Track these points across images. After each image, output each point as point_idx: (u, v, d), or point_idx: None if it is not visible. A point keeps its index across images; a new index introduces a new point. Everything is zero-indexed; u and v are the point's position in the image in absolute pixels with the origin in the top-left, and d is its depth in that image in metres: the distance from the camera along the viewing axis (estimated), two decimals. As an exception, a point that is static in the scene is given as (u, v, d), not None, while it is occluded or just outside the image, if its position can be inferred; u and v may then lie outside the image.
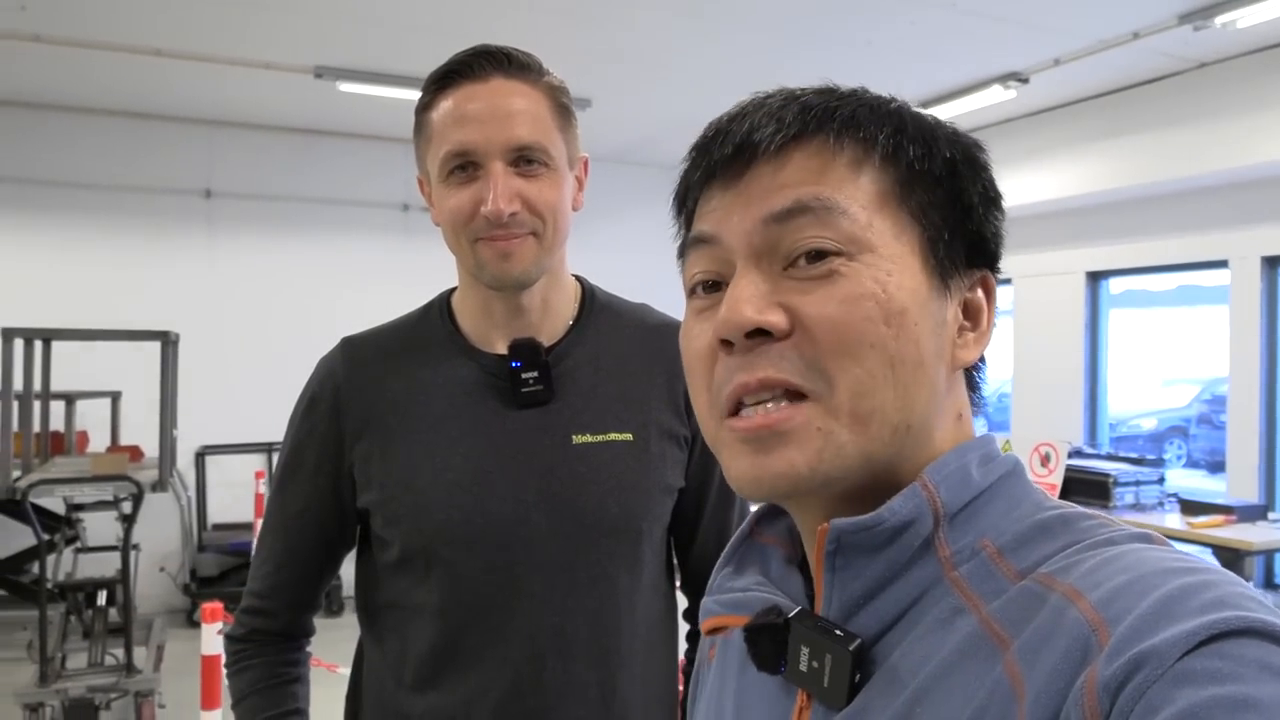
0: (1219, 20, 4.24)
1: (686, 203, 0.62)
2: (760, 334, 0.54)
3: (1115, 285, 6.50)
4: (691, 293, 0.61)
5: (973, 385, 0.62)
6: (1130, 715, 0.42)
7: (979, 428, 0.62)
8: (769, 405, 0.55)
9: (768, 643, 0.58)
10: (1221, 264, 5.59)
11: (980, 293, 0.59)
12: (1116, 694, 0.43)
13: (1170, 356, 8.86)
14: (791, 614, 0.58)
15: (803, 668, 0.56)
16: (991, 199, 0.60)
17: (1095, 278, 6.33)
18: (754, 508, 0.72)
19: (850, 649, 0.54)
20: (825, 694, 0.56)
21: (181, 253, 6.23)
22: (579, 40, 4.65)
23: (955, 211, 0.58)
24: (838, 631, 0.55)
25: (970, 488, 0.56)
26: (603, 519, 1.16)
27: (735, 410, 0.56)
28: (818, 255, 0.55)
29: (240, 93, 5.61)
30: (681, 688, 1.29)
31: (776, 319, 0.54)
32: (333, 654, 3.32)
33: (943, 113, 0.63)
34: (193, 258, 6.25)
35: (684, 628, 1.31)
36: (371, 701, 1.22)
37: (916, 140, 0.57)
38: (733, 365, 0.56)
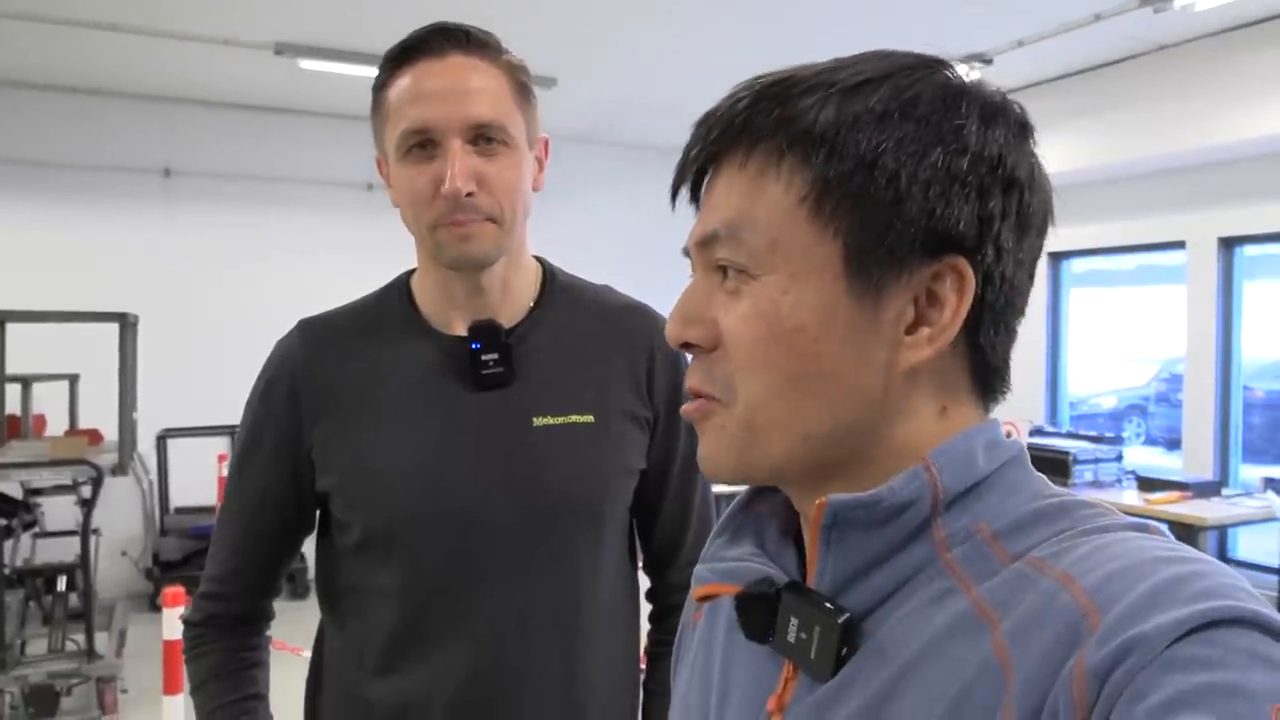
0: (1178, 3, 4.28)
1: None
2: (693, 344, 0.60)
3: (1077, 265, 6.58)
4: None
5: (981, 371, 0.59)
6: (1118, 700, 0.43)
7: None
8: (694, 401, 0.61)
9: (758, 612, 0.59)
10: (1179, 245, 5.67)
11: (946, 283, 0.54)
12: (1105, 679, 0.43)
13: (1130, 336, 8.99)
14: (783, 584, 0.59)
15: (791, 638, 0.57)
16: (956, 174, 0.53)
17: (1057, 258, 6.41)
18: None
19: (839, 622, 0.55)
20: (812, 665, 0.56)
21: (140, 232, 6.11)
22: (544, 19, 4.61)
23: (881, 208, 0.53)
24: (827, 605, 0.56)
25: (973, 473, 0.56)
26: (564, 501, 1.16)
27: None
28: (737, 270, 0.58)
29: (199, 69, 5.50)
30: (643, 668, 1.30)
31: (696, 335, 0.59)
32: (298, 637, 3.31)
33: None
34: (152, 237, 6.14)
35: (646, 608, 1.32)
36: (332, 685, 1.21)
37: (824, 138, 0.54)
38: (688, 367, 0.62)
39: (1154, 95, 5.24)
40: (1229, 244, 5.46)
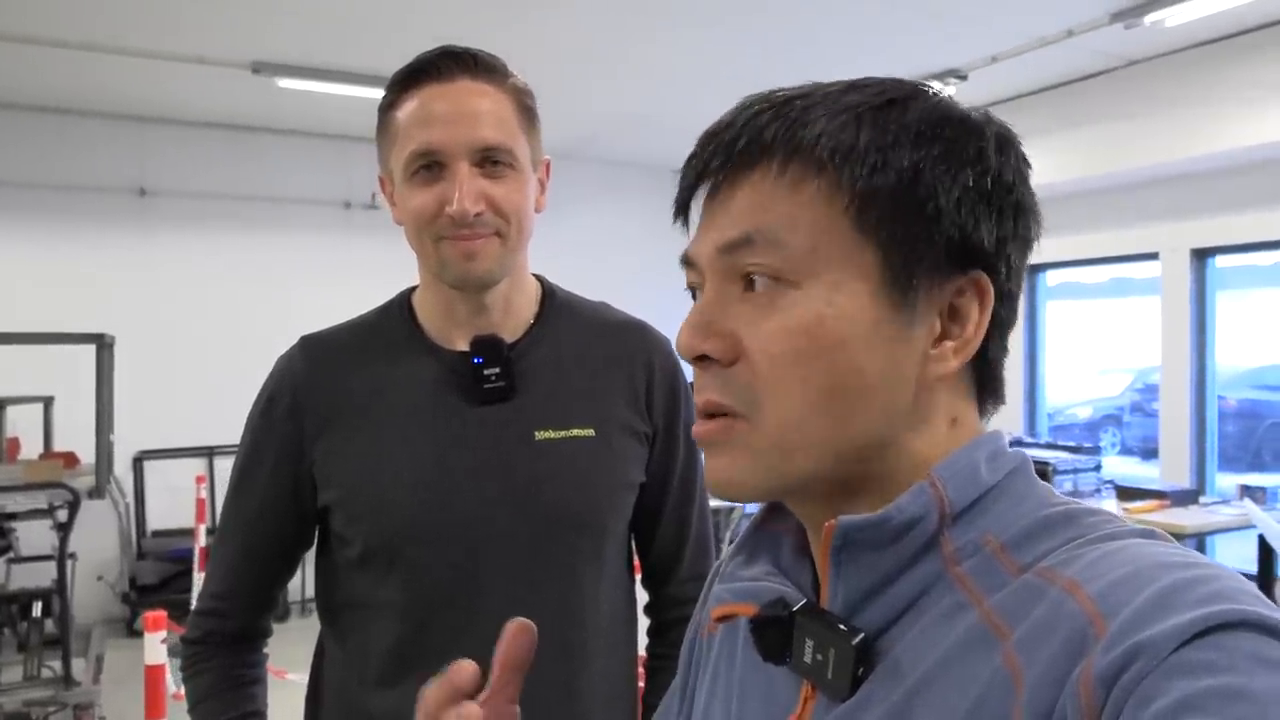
0: (1148, 19, 4.35)
1: (679, 214, 0.64)
2: (709, 357, 0.57)
3: (1051, 278, 6.65)
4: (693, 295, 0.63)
5: (985, 384, 0.61)
6: (1125, 706, 0.43)
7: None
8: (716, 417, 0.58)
9: (773, 634, 0.59)
10: (1152, 256, 5.75)
11: (970, 296, 0.57)
12: (1112, 685, 0.43)
13: (1104, 347, 9.09)
14: (797, 607, 0.59)
15: (807, 659, 0.57)
16: (986, 194, 0.56)
17: (1033, 270, 6.47)
18: (747, 509, 0.73)
19: (853, 644, 0.55)
20: (829, 686, 0.56)
21: (116, 252, 6.06)
22: (520, 35, 4.62)
23: (920, 222, 0.55)
24: (841, 626, 0.56)
25: (978, 485, 0.56)
26: (566, 514, 1.16)
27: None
28: (771, 278, 0.56)
29: (175, 89, 5.47)
30: (641, 684, 1.30)
31: (713, 347, 0.57)
32: (280, 659, 3.26)
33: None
34: (128, 257, 6.08)
35: (644, 622, 1.32)
36: (332, 699, 1.21)
37: (870, 153, 0.55)
38: (698, 380, 0.60)
39: (1126, 109, 5.31)
40: (1201, 255, 5.53)
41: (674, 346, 0.59)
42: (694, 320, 0.58)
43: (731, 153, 0.57)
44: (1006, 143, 0.58)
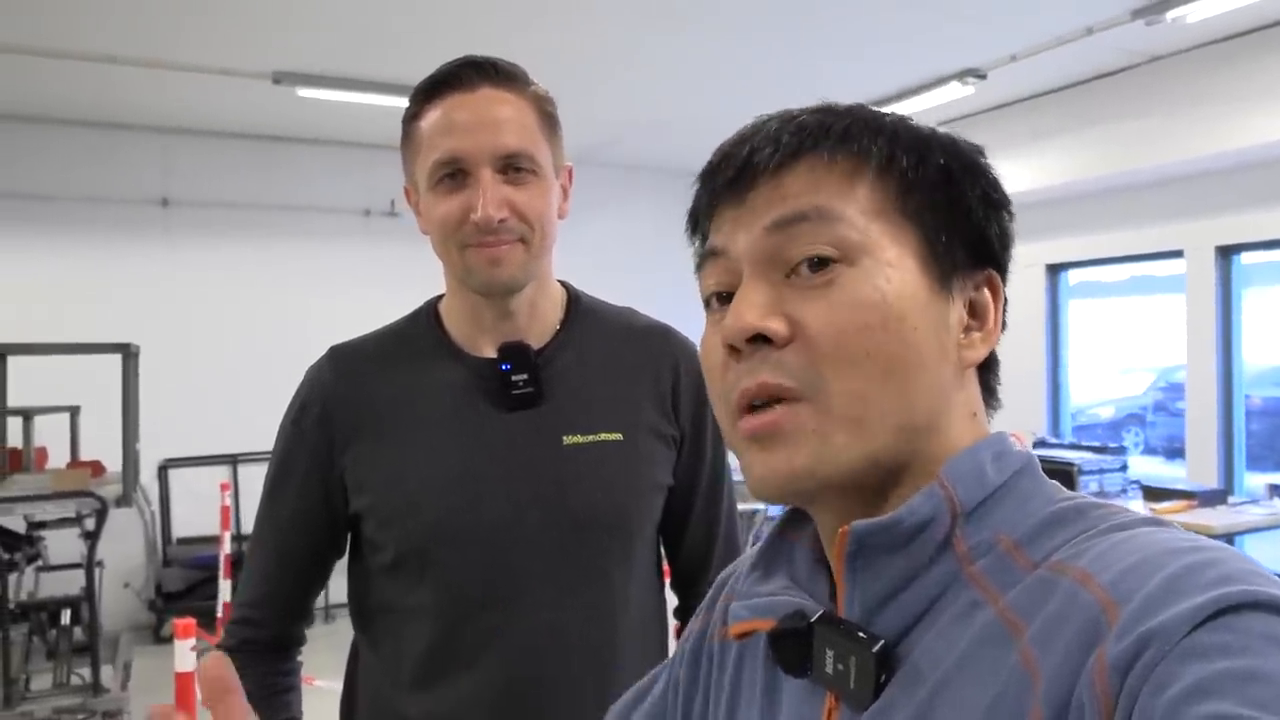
0: (1170, 15, 4.32)
1: (700, 223, 0.64)
2: (762, 340, 0.57)
3: (1072, 276, 6.60)
4: (708, 304, 0.63)
5: (987, 386, 0.64)
6: (1140, 692, 0.43)
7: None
8: (772, 406, 0.57)
9: (792, 646, 0.59)
10: (1177, 254, 5.70)
11: (986, 292, 0.61)
12: (1126, 672, 0.43)
13: (1126, 345, 9.01)
14: (815, 617, 0.59)
15: (829, 670, 0.57)
16: (993, 202, 0.61)
17: (1055, 270, 6.42)
18: (770, 510, 0.72)
19: (874, 651, 0.55)
20: (852, 695, 0.56)
21: (140, 263, 6.12)
22: (539, 42, 4.63)
23: (953, 215, 0.59)
24: (860, 634, 0.56)
25: (985, 485, 0.57)
26: (596, 518, 1.17)
27: (746, 412, 0.58)
28: (818, 263, 0.57)
29: (197, 99, 5.52)
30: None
31: (775, 325, 0.56)
32: (307, 666, 3.28)
33: (902, 110, 0.69)
34: (151, 267, 6.15)
35: (673, 624, 1.32)
36: (367, 703, 1.22)
37: (910, 150, 0.59)
38: (740, 370, 0.58)
39: (1148, 106, 5.27)
40: (1226, 252, 5.48)
41: (725, 328, 0.58)
42: (754, 300, 0.57)
43: (779, 145, 0.59)
44: (989, 163, 0.63)
